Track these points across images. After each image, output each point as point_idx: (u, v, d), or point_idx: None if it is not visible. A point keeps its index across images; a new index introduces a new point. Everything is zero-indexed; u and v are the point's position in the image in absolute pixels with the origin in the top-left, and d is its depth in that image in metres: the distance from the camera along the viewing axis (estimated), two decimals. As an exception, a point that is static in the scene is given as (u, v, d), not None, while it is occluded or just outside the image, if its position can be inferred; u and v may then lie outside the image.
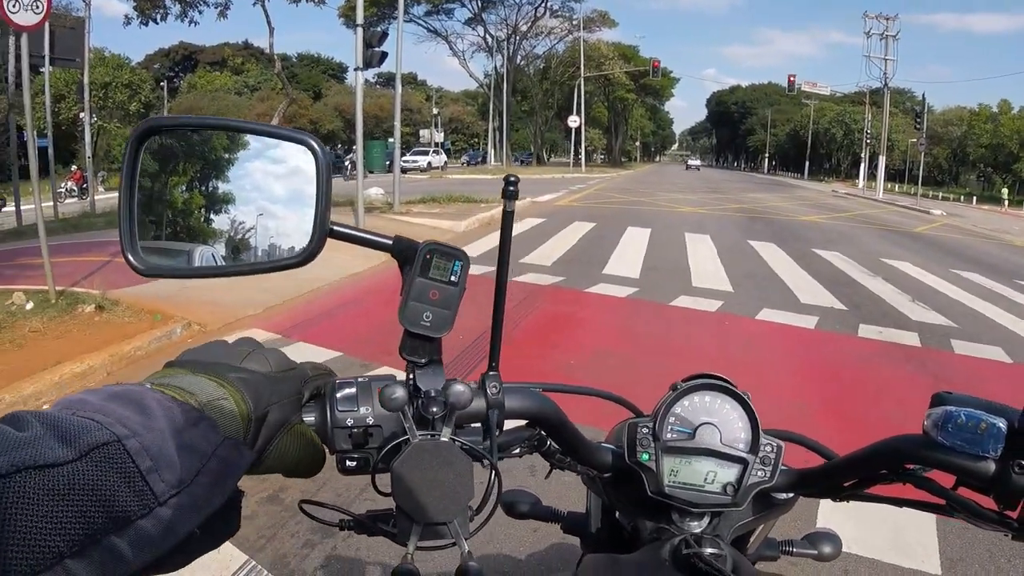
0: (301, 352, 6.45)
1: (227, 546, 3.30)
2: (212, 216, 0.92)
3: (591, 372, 6.43)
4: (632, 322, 8.66)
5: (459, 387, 0.83)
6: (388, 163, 34.86)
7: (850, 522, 3.86)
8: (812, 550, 1.27)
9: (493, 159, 66.08)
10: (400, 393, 0.80)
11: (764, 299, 10.20)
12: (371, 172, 38.84)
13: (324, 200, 0.87)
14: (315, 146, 0.89)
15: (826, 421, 5.52)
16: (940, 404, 0.91)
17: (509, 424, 0.97)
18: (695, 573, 0.91)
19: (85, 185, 26.73)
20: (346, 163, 40.52)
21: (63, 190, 27.48)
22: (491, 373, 0.94)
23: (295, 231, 0.89)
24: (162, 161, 0.91)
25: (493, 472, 0.86)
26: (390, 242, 0.90)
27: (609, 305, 9.47)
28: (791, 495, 1.10)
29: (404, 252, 0.90)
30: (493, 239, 14.47)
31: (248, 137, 0.93)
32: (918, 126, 45.49)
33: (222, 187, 0.92)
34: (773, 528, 1.26)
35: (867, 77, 73.07)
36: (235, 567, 3.34)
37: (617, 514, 1.19)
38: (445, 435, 0.81)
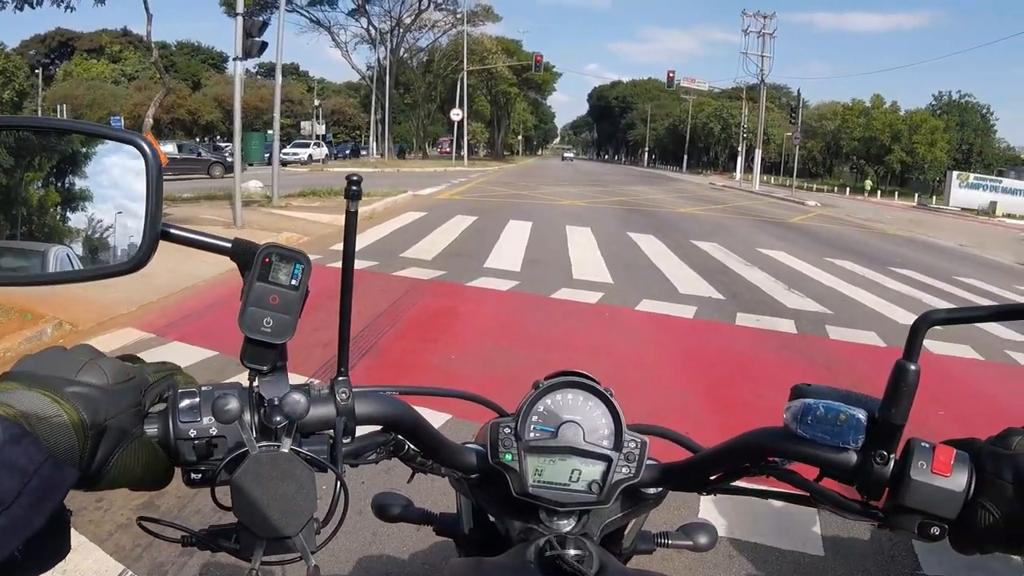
0: (177, 352, 6.26)
1: (102, 555, 3.30)
2: (69, 215, 0.88)
3: (473, 366, 6.38)
4: (514, 315, 8.63)
5: (295, 396, 0.79)
6: (267, 155, 34.34)
7: (733, 508, 3.90)
8: (688, 541, 1.26)
9: (375, 151, 65.50)
10: (233, 404, 0.76)
11: (644, 290, 10.28)
12: (250, 165, 38.13)
13: (155, 202, 0.83)
14: (144, 147, 0.85)
15: (707, 409, 5.54)
16: (799, 396, 0.91)
17: (365, 430, 0.95)
18: (560, 573, 0.89)
19: None
20: (226, 155, 39.68)
21: None
22: (340, 379, 0.90)
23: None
24: (18, 156, 0.86)
25: (338, 483, 0.83)
26: (228, 245, 0.87)
27: (491, 299, 9.42)
28: (660, 490, 1.09)
29: (243, 255, 0.86)
30: (374, 233, 14.50)
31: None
32: (793, 120, 46.95)
33: (79, 184, 0.89)
34: (648, 521, 1.25)
35: (744, 73, 74.97)
36: (112, 578, 3.24)
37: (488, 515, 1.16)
38: (285, 446, 0.79)
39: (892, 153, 68.72)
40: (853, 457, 0.85)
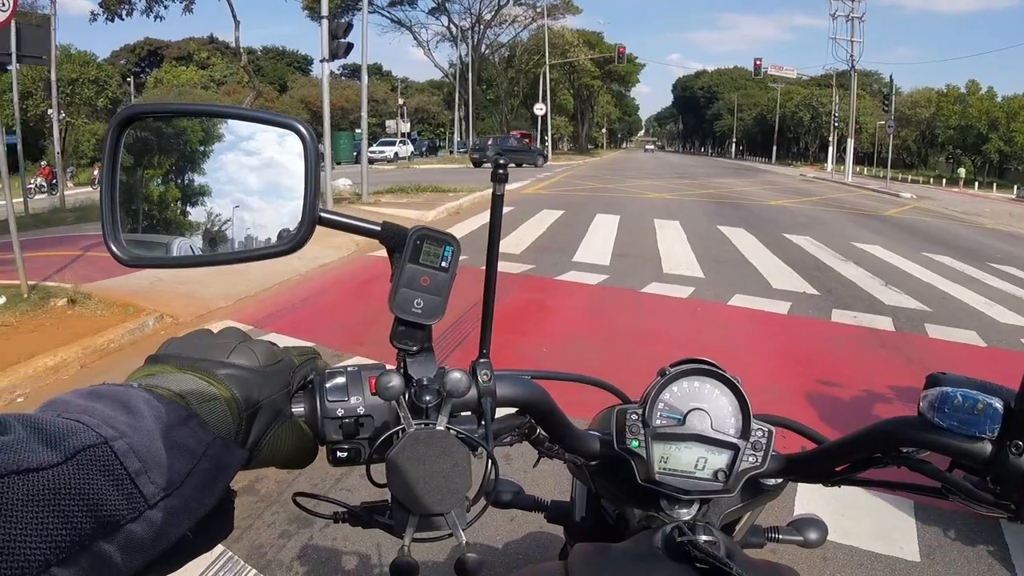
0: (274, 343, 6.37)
1: None
2: (188, 209, 0.92)
3: (563, 359, 6.40)
4: (603, 309, 8.61)
5: (456, 375, 0.81)
6: (355, 154, 34.90)
7: (828, 509, 3.84)
8: (798, 536, 1.25)
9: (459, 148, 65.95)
10: (396, 382, 0.77)
11: (736, 285, 10.17)
12: (339, 163, 38.69)
13: (313, 186, 0.86)
14: (303, 131, 0.87)
15: (803, 407, 5.45)
16: (935, 385, 0.90)
17: (499, 412, 0.96)
18: (689, 561, 0.87)
19: (54, 181, 27.11)
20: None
21: (32, 186, 27.47)
22: (482, 360, 0.92)
23: (271, 223, 0.90)
24: (137, 155, 0.90)
25: (490, 461, 0.84)
26: (378, 228, 0.89)
27: (580, 292, 9.43)
28: (780, 481, 1.10)
29: (393, 238, 0.88)
30: (462, 228, 14.55)
31: (222, 130, 0.92)
32: (886, 108, 45.81)
33: (198, 180, 0.91)
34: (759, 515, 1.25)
35: (833, 60, 73.35)
36: (211, 558, 3.30)
37: (602, 502, 1.19)
38: (441, 424, 0.80)
39: (990, 142, 65.80)
40: (988, 447, 0.85)
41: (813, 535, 1.24)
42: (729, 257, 12.82)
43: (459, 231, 14.12)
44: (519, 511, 1.37)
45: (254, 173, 0.91)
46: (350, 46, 16.37)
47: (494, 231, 0.90)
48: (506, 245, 12.61)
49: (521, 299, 8.76)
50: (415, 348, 0.89)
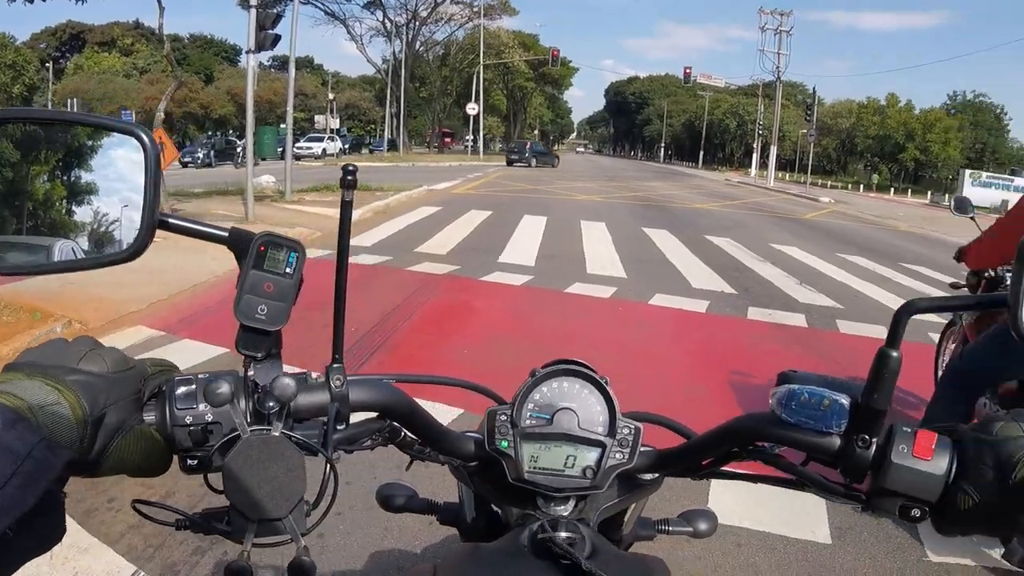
0: (188, 349, 6.28)
1: (113, 556, 3.27)
2: (74, 208, 0.89)
3: (485, 359, 6.40)
4: (527, 310, 8.65)
5: (285, 380, 0.81)
6: (281, 150, 34.27)
7: (741, 497, 3.95)
8: (688, 527, 1.29)
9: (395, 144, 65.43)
10: (225, 388, 0.78)
11: (657, 284, 10.33)
12: (263, 159, 38.01)
13: (152, 191, 0.84)
14: (143, 137, 0.85)
15: (717, 402, 5.61)
16: (785, 382, 0.93)
17: (361, 417, 0.97)
18: (552, 557, 0.89)
19: None
20: (238, 149, 39.68)
21: None
22: (335, 365, 0.91)
23: None
24: (24, 150, 0.88)
25: (328, 466, 0.84)
26: (225, 234, 0.88)
27: (505, 293, 9.44)
28: (656, 475, 1.11)
29: (239, 244, 0.88)
30: (388, 228, 14.52)
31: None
32: (808, 118, 46.88)
33: (85, 177, 0.89)
34: (655, 510, 1.29)
35: (761, 70, 74.94)
36: (124, 578, 3.26)
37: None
38: (277, 429, 0.81)
39: (906, 151, 68.40)
40: (836, 441, 0.88)
41: (703, 526, 1.28)
42: (652, 258, 13.02)
43: (386, 230, 14.20)
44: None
45: (144, 170, 0.86)
46: (278, 37, 15.83)
47: (344, 236, 0.88)
48: (431, 246, 12.65)
49: (445, 300, 8.75)
50: (260, 354, 0.88)
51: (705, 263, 12.61)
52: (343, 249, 0.87)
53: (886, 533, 3.83)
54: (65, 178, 0.89)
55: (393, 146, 62.84)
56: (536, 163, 52.70)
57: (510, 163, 51.86)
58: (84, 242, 0.88)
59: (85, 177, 0.89)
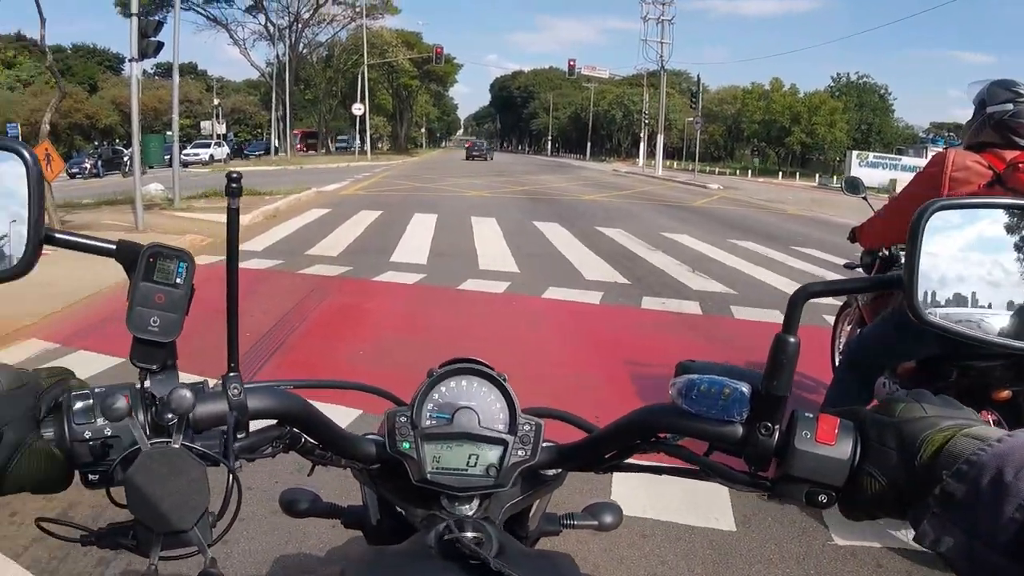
0: (85, 360, 6.07)
1: (18, 570, 3.28)
2: None
3: (381, 360, 6.36)
4: (421, 308, 8.61)
5: (182, 391, 0.79)
6: (168, 157, 33.81)
7: (644, 488, 3.95)
8: (593, 521, 1.28)
9: (277, 150, 64.78)
10: (122, 403, 0.77)
11: (550, 278, 10.35)
12: (151, 167, 37.29)
13: (36, 207, 0.83)
14: (23, 152, 0.85)
15: (613, 393, 5.59)
16: (684, 372, 0.93)
17: (260, 425, 0.96)
18: (460, 558, 0.87)
19: None
20: (125, 158, 39.21)
21: None
22: (231, 375, 0.90)
23: None
24: None
25: (231, 476, 0.83)
26: (113, 247, 0.88)
27: (397, 292, 9.41)
28: (559, 471, 1.11)
29: (128, 256, 0.87)
30: (278, 231, 14.42)
31: None
32: (694, 105, 47.80)
33: None
34: (559, 505, 1.28)
35: (644, 60, 76.43)
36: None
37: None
38: (176, 441, 0.80)
39: (792, 135, 70.07)
40: (739, 430, 0.88)
41: (608, 518, 1.28)
42: (543, 251, 13.06)
43: (278, 233, 14.13)
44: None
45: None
46: (161, 45, 15.76)
47: (232, 243, 0.88)
48: (322, 248, 12.62)
49: (337, 302, 8.68)
50: (156, 366, 0.88)
51: (597, 254, 12.69)
52: (232, 257, 0.88)
53: (790, 519, 3.85)
54: None
55: (272, 150, 62.25)
56: (487, 158, 69.44)
57: (470, 158, 68.85)
58: None
59: None
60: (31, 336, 7.09)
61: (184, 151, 39.12)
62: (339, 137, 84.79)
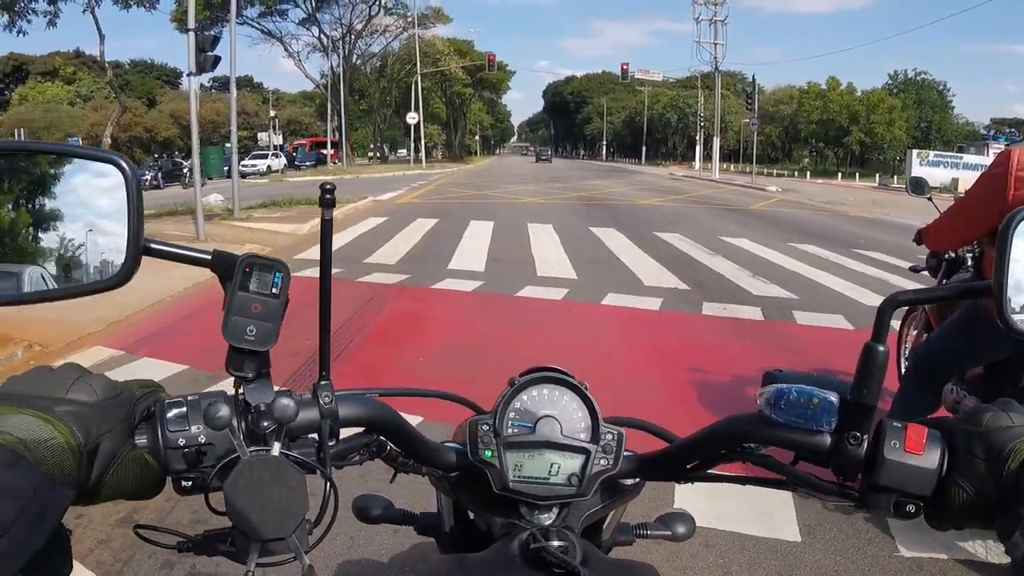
0: (148, 368, 6.25)
1: (84, 572, 3.30)
2: (40, 235, 0.89)
3: (441, 368, 6.36)
4: (479, 315, 8.62)
5: (285, 400, 0.81)
6: (227, 168, 34.41)
7: (708, 498, 3.88)
8: (666, 531, 1.27)
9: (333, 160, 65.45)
10: (224, 411, 0.79)
11: (609, 284, 10.28)
12: (210, 178, 37.94)
13: (136, 218, 0.85)
14: (122, 164, 0.86)
15: (676, 401, 5.53)
16: (771, 382, 0.93)
17: (348, 432, 0.97)
18: (545, 567, 0.87)
19: None
20: (185, 170, 40.15)
21: None
22: (322, 383, 0.91)
23: (127, 246, 0.86)
24: None
25: (328, 484, 0.85)
26: (208, 257, 0.88)
27: (456, 300, 9.43)
28: (637, 480, 1.11)
29: (223, 266, 0.88)
30: (337, 240, 14.09)
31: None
32: (749, 107, 47.24)
33: (49, 204, 0.89)
34: (626, 512, 1.26)
35: (698, 62, 75.88)
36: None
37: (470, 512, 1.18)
38: (275, 450, 0.81)
39: (851, 134, 68.42)
40: (827, 439, 0.88)
41: (681, 529, 1.26)
42: (601, 257, 12.98)
43: (336, 242, 13.67)
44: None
45: (106, 195, 0.87)
46: (218, 59, 16.09)
47: (325, 254, 0.90)
48: (380, 256, 12.70)
49: (397, 310, 8.71)
50: (251, 375, 0.87)
51: (655, 259, 12.58)
52: (325, 266, 0.90)
53: (855, 529, 3.77)
54: (30, 206, 0.89)
55: (321, 160, 62.82)
56: (550, 160, 73.66)
57: (539, 161, 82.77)
58: (52, 267, 0.89)
59: (49, 205, 0.89)
60: (96, 343, 7.28)
61: (242, 162, 39.73)
62: (395, 148, 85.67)
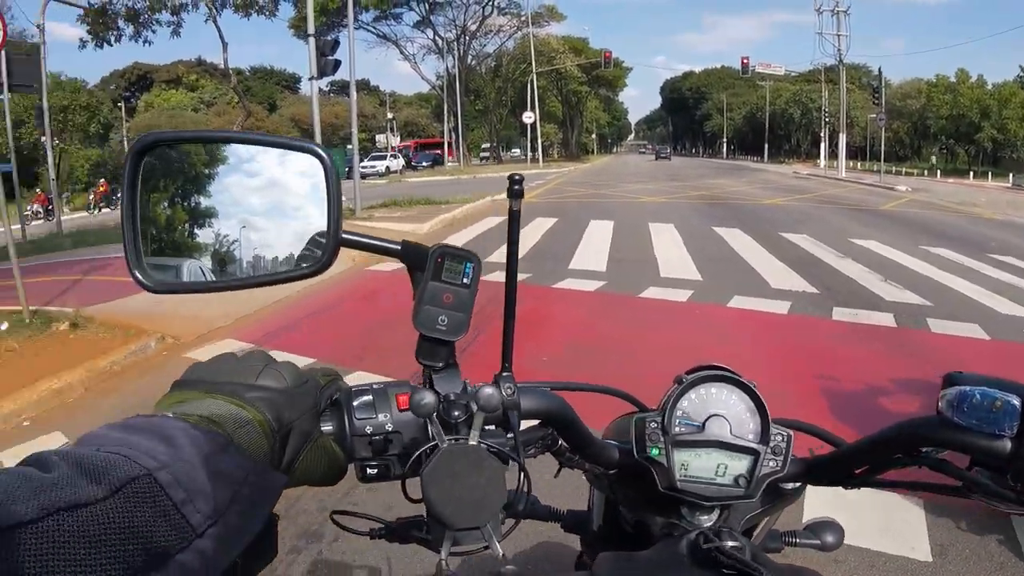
0: None
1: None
2: (196, 231, 0.93)
3: (564, 367, 6.36)
4: (602, 316, 8.63)
5: (488, 390, 0.83)
6: (347, 169, 35.04)
7: (837, 510, 3.76)
8: (815, 540, 1.24)
9: (449, 160, 66.17)
10: (430, 399, 0.80)
11: (734, 286, 10.14)
12: (333, 179, 38.90)
13: (335, 208, 0.87)
14: (321, 153, 0.89)
15: (809, 410, 5.38)
16: (952, 384, 0.91)
17: (522, 424, 0.97)
18: (715, 567, 0.87)
19: (50, 207, 28.42)
20: None
21: (29, 213, 27.75)
22: (505, 374, 0.93)
23: (277, 242, 0.92)
24: (143, 180, 0.90)
25: (522, 473, 0.86)
26: (399, 247, 0.91)
27: (577, 300, 9.45)
28: (799, 485, 1.10)
29: (413, 256, 0.91)
30: (455, 239, 14.48)
31: (225, 151, 0.93)
32: (876, 101, 45.47)
33: (204, 202, 0.92)
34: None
35: (821, 54, 74.04)
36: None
37: (620, 511, 1.18)
38: (473, 439, 0.81)
39: (983, 131, 64.73)
40: (1007, 444, 0.85)
41: (830, 538, 1.24)
42: (725, 258, 12.84)
43: (456, 241, 14.16)
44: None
45: (257, 194, 0.92)
46: (338, 63, 16.54)
47: (512, 246, 0.93)
48: (500, 255, 12.53)
49: (519, 308, 8.63)
50: (440, 364, 0.90)
51: (782, 261, 12.34)
52: (512, 259, 0.93)
53: (988, 550, 3.64)
54: (185, 203, 0.93)
55: (438, 161, 63.48)
56: (669, 158, 79.34)
57: (658, 159, 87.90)
58: (208, 261, 0.92)
59: (204, 202, 0.92)
60: (226, 336, 7.62)
61: (362, 164, 40.57)
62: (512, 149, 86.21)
